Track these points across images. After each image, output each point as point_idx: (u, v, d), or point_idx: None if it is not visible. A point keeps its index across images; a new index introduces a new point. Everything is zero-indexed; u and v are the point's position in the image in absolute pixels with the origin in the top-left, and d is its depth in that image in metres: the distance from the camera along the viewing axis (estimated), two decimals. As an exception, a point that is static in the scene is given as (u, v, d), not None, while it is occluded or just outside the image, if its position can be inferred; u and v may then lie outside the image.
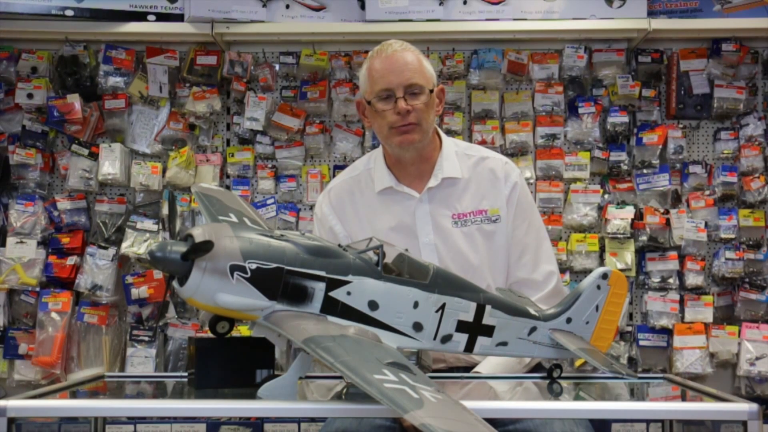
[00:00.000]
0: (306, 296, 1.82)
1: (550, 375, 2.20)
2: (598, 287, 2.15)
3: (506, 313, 2.03)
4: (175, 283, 1.80)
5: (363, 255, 1.89)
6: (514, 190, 2.58)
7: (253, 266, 1.77)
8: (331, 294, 1.84)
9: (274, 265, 1.79)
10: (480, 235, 2.53)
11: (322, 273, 1.83)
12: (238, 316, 1.85)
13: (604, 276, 2.15)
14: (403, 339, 1.93)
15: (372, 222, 2.57)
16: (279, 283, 1.79)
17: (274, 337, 1.91)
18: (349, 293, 1.86)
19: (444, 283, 1.97)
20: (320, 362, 1.73)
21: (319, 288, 1.83)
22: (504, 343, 2.06)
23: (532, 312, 2.10)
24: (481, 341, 2.02)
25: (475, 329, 2.00)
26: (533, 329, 2.09)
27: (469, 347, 2.01)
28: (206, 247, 1.73)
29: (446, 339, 1.98)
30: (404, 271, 1.95)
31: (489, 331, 2.02)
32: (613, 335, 2.21)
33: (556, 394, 2.11)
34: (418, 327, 1.94)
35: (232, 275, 1.76)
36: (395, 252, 1.97)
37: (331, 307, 1.84)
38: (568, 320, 2.13)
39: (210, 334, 1.94)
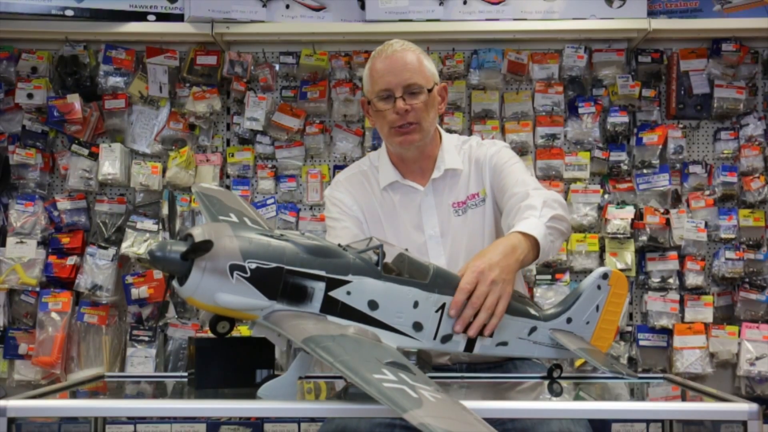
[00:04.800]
0: (306, 296, 1.82)
1: (550, 375, 2.20)
2: (599, 287, 2.15)
3: (506, 313, 2.03)
4: (174, 283, 1.80)
5: (363, 255, 1.89)
6: (492, 159, 2.59)
7: (253, 266, 1.77)
8: (331, 294, 1.84)
9: (274, 265, 1.79)
10: (478, 217, 2.56)
11: (322, 273, 1.83)
12: (237, 315, 1.85)
13: (605, 276, 2.15)
14: (403, 339, 1.93)
15: (379, 216, 2.59)
16: (279, 282, 1.79)
17: (274, 336, 1.91)
18: (348, 293, 1.85)
19: (444, 282, 1.97)
20: (320, 362, 1.73)
21: (319, 288, 1.83)
22: (504, 343, 2.06)
23: (532, 312, 2.10)
24: (481, 341, 2.02)
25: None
26: (533, 329, 2.09)
27: (469, 347, 2.01)
28: (206, 246, 1.73)
29: (446, 339, 1.98)
30: (404, 270, 1.95)
31: None
32: (613, 335, 2.21)
33: (556, 394, 2.11)
34: (418, 327, 1.94)
35: (232, 275, 1.75)
36: (395, 252, 1.97)
37: (331, 306, 1.84)
38: (569, 320, 2.13)
39: (210, 334, 1.94)
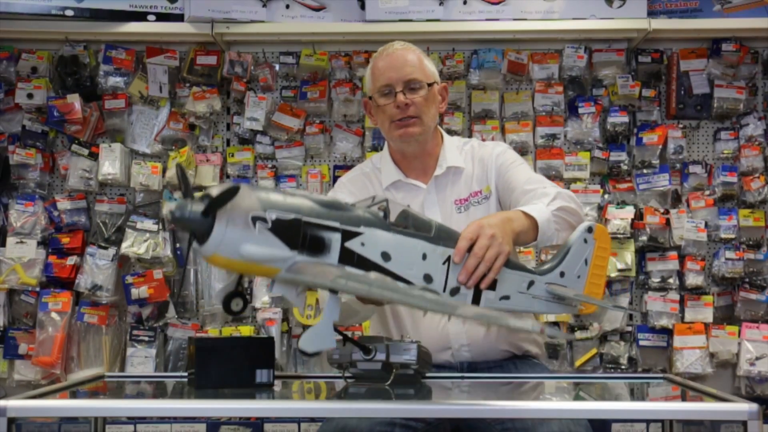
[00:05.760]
0: (324, 247, 1.84)
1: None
2: (585, 241, 2.20)
3: (506, 266, 2.07)
4: (195, 245, 1.78)
5: (371, 209, 1.94)
6: (497, 159, 2.63)
7: (273, 216, 1.77)
8: (347, 245, 1.86)
9: (293, 216, 1.80)
10: (480, 214, 2.57)
11: (337, 224, 1.85)
12: (260, 270, 1.84)
13: (589, 230, 2.21)
14: None
15: None
16: (299, 233, 1.80)
17: (293, 295, 1.90)
18: (363, 244, 1.88)
19: (447, 237, 2.02)
20: (321, 362, 1.73)
21: (336, 239, 1.85)
22: (507, 297, 2.10)
23: (528, 267, 2.15)
24: (486, 295, 2.06)
25: (479, 282, 2.04)
26: (531, 283, 2.13)
27: (476, 300, 2.05)
28: (233, 191, 1.72)
29: (455, 292, 2.02)
30: (409, 225, 1.99)
31: (492, 284, 2.05)
32: (602, 288, 2.25)
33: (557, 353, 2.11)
34: (428, 279, 1.98)
35: (255, 225, 1.75)
36: (398, 208, 2.01)
37: (348, 257, 1.87)
38: (562, 274, 2.17)
39: (210, 335, 1.94)
